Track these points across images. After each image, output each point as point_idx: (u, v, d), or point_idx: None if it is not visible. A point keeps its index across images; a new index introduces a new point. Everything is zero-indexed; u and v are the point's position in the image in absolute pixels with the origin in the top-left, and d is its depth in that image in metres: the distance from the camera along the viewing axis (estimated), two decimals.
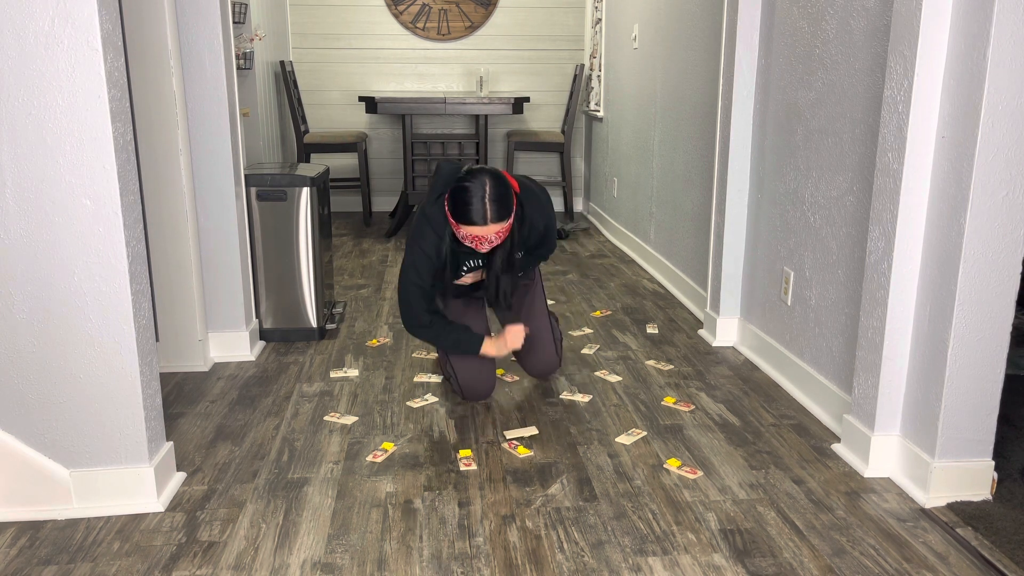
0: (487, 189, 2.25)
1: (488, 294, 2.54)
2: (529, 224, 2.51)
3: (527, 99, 5.37)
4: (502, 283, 2.51)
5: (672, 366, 3.07)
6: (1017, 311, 3.21)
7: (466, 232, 2.30)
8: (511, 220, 2.34)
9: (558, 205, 6.45)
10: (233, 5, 4.21)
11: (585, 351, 3.21)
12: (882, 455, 2.23)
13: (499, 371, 2.99)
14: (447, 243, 2.42)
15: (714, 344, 3.30)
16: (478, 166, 2.33)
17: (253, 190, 3.15)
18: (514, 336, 2.58)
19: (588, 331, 3.46)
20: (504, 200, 2.28)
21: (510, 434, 2.48)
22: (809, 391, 2.71)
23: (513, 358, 2.96)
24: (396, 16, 6.07)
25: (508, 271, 2.49)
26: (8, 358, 1.96)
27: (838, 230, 2.53)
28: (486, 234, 2.30)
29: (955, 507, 2.06)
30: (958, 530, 1.96)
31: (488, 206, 2.25)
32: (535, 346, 2.74)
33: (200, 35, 2.82)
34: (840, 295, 2.52)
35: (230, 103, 2.93)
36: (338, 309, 3.64)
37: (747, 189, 3.18)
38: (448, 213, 2.33)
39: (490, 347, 2.59)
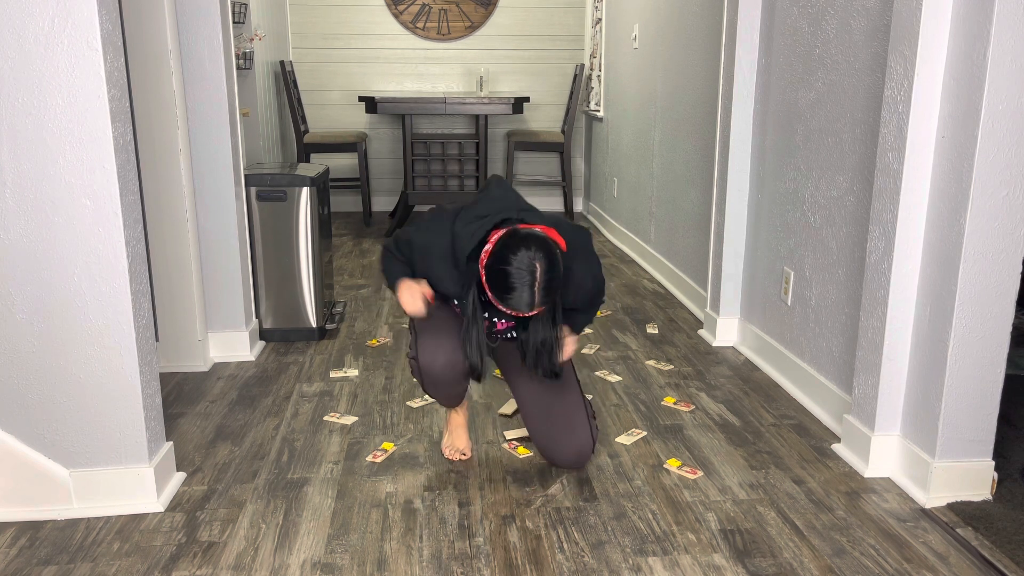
0: (537, 276, 1.86)
1: (528, 361, 2.12)
2: (576, 285, 2.09)
3: (527, 99, 5.37)
4: (541, 352, 2.09)
5: (672, 366, 3.07)
6: (1017, 311, 3.21)
7: (502, 307, 1.95)
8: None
9: (558, 205, 6.45)
10: (233, 5, 4.21)
11: (585, 351, 3.21)
12: (882, 455, 2.23)
13: (496, 372, 2.99)
14: (472, 295, 2.04)
15: (714, 344, 3.30)
16: (530, 231, 1.91)
17: (253, 190, 3.15)
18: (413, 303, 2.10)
19: (588, 331, 3.46)
20: (553, 284, 1.90)
21: (510, 434, 2.48)
22: (809, 391, 2.71)
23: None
24: (396, 16, 6.06)
25: (549, 338, 2.08)
26: (8, 358, 1.96)
27: (838, 230, 2.53)
28: (527, 314, 1.95)
29: (955, 507, 2.06)
30: (958, 530, 1.96)
31: (536, 295, 1.88)
32: (565, 424, 2.21)
33: (200, 35, 2.82)
34: (840, 295, 2.52)
35: (230, 103, 2.93)
36: (338, 309, 3.64)
37: (747, 189, 3.18)
38: (484, 281, 1.93)
39: (403, 290, 2.11)
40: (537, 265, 1.86)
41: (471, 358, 2.09)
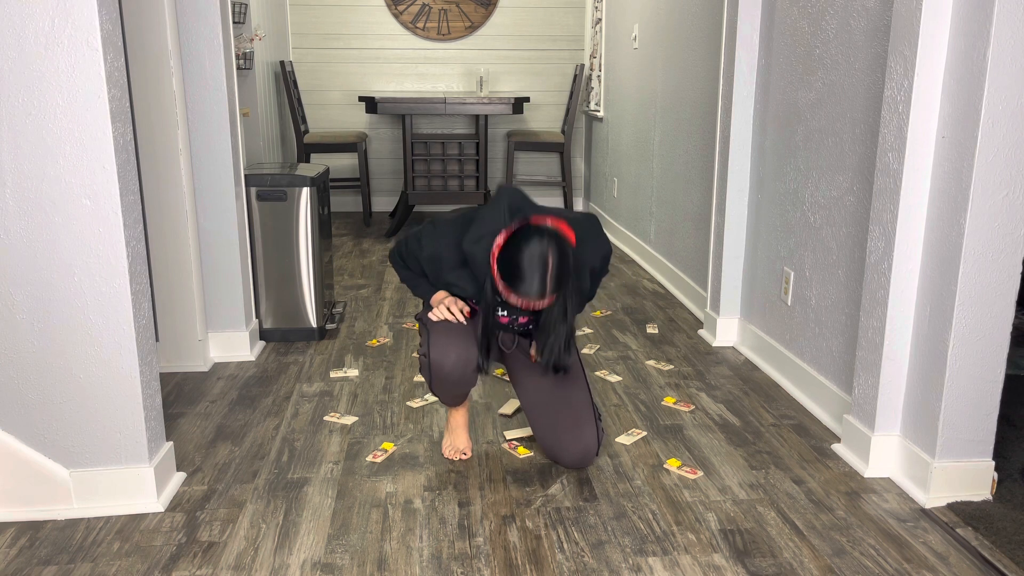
0: (550, 265, 1.92)
1: (543, 353, 2.16)
2: (586, 267, 2.15)
3: (527, 99, 5.37)
4: (553, 344, 2.13)
5: (672, 366, 3.07)
6: (1017, 311, 3.21)
7: (516, 299, 1.98)
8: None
9: (558, 205, 6.45)
10: (233, 5, 4.21)
11: (585, 351, 3.21)
12: (882, 455, 2.23)
13: (498, 371, 2.99)
14: (488, 295, 2.08)
15: (714, 344, 3.30)
16: (541, 224, 1.96)
17: (253, 190, 3.15)
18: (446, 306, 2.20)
19: (588, 331, 3.46)
20: (565, 272, 1.96)
21: (510, 434, 2.48)
22: (809, 391, 2.71)
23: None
24: (396, 16, 6.06)
25: (562, 331, 2.12)
26: (8, 358, 1.96)
27: (838, 230, 2.53)
28: (539, 304, 1.99)
29: (955, 507, 2.06)
30: (958, 530, 1.96)
31: (548, 283, 1.93)
32: (572, 424, 2.22)
33: (200, 35, 2.82)
34: (840, 295, 2.52)
35: (230, 103, 2.93)
36: (338, 309, 3.64)
37: (747, 189, 3.18)
38: (496, 272, 1.99)
39: (440, 300, 2.22)
40: (549, 253, 1.93)
41: (481, 348, 2.16)
